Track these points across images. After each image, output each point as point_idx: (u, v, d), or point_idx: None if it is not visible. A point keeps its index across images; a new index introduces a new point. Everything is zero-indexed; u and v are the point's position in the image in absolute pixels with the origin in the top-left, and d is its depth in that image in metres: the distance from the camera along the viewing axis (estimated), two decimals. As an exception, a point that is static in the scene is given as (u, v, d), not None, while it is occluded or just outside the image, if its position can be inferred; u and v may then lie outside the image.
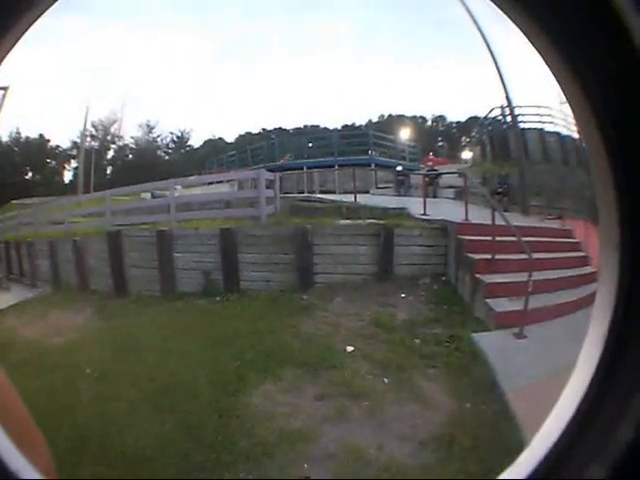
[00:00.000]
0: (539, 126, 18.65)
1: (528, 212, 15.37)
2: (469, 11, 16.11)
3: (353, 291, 10.91)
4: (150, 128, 25.96)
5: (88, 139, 24.18)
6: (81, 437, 6.05)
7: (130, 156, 25.95)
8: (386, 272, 11.53)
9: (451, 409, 7.46)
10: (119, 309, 10.96)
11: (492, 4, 1.00)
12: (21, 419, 1.29)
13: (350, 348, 8.92)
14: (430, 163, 18.98)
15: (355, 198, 14.66)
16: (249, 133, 26.04)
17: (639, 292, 0.93)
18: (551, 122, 18.48)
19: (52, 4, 0.95)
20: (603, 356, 0.95)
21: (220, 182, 17.57)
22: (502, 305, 9.76)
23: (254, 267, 11.37)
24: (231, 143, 25.71)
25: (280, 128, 24.36)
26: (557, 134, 18.52)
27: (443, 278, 11.56)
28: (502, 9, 0.98)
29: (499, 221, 10.79)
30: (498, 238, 10.73)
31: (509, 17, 0.98)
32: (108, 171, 25.11)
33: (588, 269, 11.87)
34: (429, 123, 24.15)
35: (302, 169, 19.64)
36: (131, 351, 8.32)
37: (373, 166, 19.56)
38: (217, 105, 26.63)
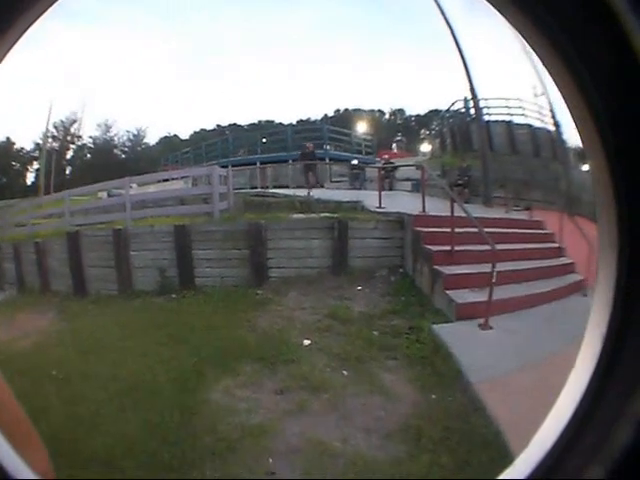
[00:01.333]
0: (508, 118, 18.82)
1: (491, 203, 15.65)
2: (437, 2, 16.27)
3: (308, 285, 11.01)
4: (108, 127, 25.96)
5: (50, 140, 24.22)
6: (53, 440, 5.93)
7: (89, 155, 25.88)
8: (341, 265, 11.62)
9: (415, 401, 7.48)
10: (80, 310, 11.01)
11: (487, 4, 0.99)
12: (18, 420, 1.31)
13: (307, 342, 8.97)
14: (386, 156, 19.14)
15: (309, 192, 14.74)
16: (204, 129, 26.12)
17: (637, 292, 0.93)
18: (522, 114, 18.66)
19: (50, 5, 0.96)
20: (601, 356, 0.97)
21: (175, 179, 17.61)
22: (464, 296, 9.81)
23: (208, 263, 11.47)
24: (186, 140, 25.72)
25: (235, 124, 24.37)
26: (529, 126, 18.79)
27: (400, 270, 11.64)
28: (498, 9, 0.98)
29: (460, 213, 10.79)
30: (458, 230, 10.77)
31: (506, 18, 0.98)
32: (67, 171, 25.06)
33: (563, 260, 12.41)
34: (387, 116, 24.31)
35: (255, 164, 19.54)
36: (94, 352, 8.37)
37: (327, 160, 19.52)
38: (172, 102, 26.59)
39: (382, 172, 16.45)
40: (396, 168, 17.89)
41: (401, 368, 8.29)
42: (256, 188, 17.91)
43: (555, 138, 18.23)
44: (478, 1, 0.96)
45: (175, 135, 26.62)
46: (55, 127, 24.71)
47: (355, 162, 19.05)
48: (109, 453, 5.89)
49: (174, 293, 10.86)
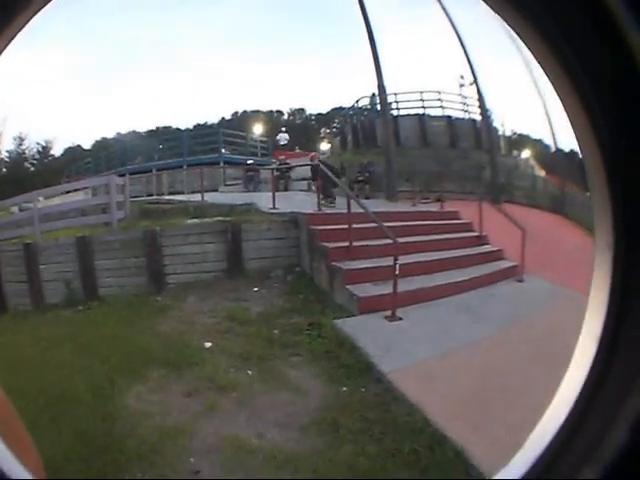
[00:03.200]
0: (422, 112, 18.87)
1: (395, 198, 15.79)
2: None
3: (205, 289, 11.21)
4: (21, 140, 25.60)
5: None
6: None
7: (4, 170, 25.53)
8: (236, 268, 11.84)
9: (325, 394, 7.68)
10: (1, 326, 10.85)
11: (490, 9, 1.01)
12: (9, 419, 1.33)
13: (208, 344, 9.05)
14: (282, 157, 19.07)
15: (202, 197, 14.91)
16: (105, 138, 25.79)
17: (633, 292, 0.96)
18: (440, 106, 18.72)
19: (46, 4, 0.97)
20: (597, 356, 0.99)
21: (77, 190, 17.47)
22: (366, 290, 9.93)
23: (109, 273, 11.57)
24: (88, 150, 25.42)
25: (133, 131, 24.18)
26: (447, 117, 18.83)
27: (297, 269, 11.87)
28: (500, 15, 1.00)
29: (359, 209, 10.97)
30: (357, 225, 10.92)
31: (509, 25, 1.00)
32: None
33: (486, 248, 12.71)
34: (285, 117, 24.30)
35: (151, 171, 19.44)
36: (19, 366, 8.27)
37: (222, 164, 19.50)
38: (75, 112, 26.28)
39: (277, 173, 16.57)
40: (291, 168, 17.88)
41: (305, 364, 8.49)
42: (152, 195, 17.92)
43: (482, 127, 18.36)
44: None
45: (78, 145, 26.31)
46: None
47: (250, 162, 19.18)
48: (51, 461, 5.74)
49: (80, 305, 10.88)
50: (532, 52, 0.99)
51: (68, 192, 17.73)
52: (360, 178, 16.47)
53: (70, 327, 9.95)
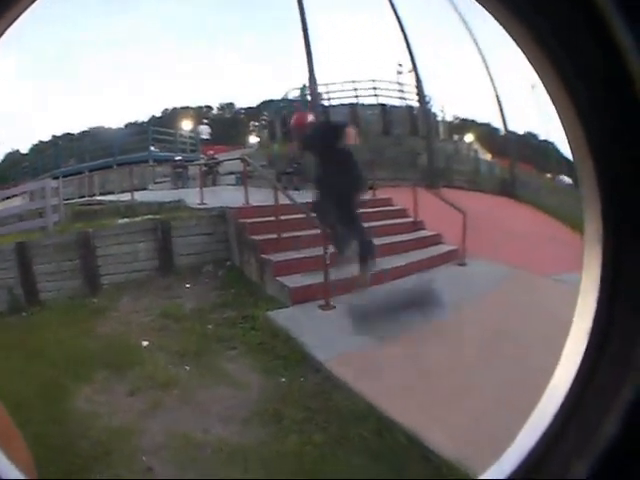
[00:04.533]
0: (355, 101, 18.81)
1: None
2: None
3: (138, 288, 11.28)
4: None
5: None
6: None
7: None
8: (167, 265, 11.90)
9: (265, 386, 7.94)
10: None
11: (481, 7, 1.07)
12: (1, 420, 1.49)
13: (145, 343, 9.22)
14: (211, 152, 18.95)
15: (132, 196, 14.91)
16: (41, 142, 25.51)
17: (622, 287, 1.01)
18: (375, 95, 18.62)
19: (29, 6, 1.06)
20: (587, 352, 1.04)
21: (15, 195, 17.39)
22: (297, 281, 10.15)
23: (48, 277, 11.50)
24: (26, 154, 25.18)
25: (67, 133, 24.02)
26: (382, 106, 18.70)
27: (228, 263, 12.00)
28: (491, 13, 1.06)
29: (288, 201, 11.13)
30: (286, 217, 11.09)
31: (500, 23, 1.05)
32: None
33: (422, 233, 12.86)
34: (215, 112, 24.24)
35: (84, 173, 19.38)
36: None
37: (151, 162, 19.45)
38: (16, 116, 25.94)
39: (204, 168, 16.54)
40: (219, 163, 17.80)
41: (241, 357, 8.64)
42: (84, 197, 17.68)
43: (419, 114, 18.36)
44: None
45: (17, 150, 26.03)
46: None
47: (178, 158, 19.16)
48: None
49: (24, 311, 10.85)
50: (523, 50, 1.04)
51: (8, 198, 17.66)
52: (289, 170, 16.27)
53: (18, 333, 9.95)
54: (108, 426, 7.06)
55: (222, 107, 24.14)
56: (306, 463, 6.35)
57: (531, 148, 18.52)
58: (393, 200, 14.26)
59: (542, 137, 17.89)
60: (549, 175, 18.36)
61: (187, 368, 8.46)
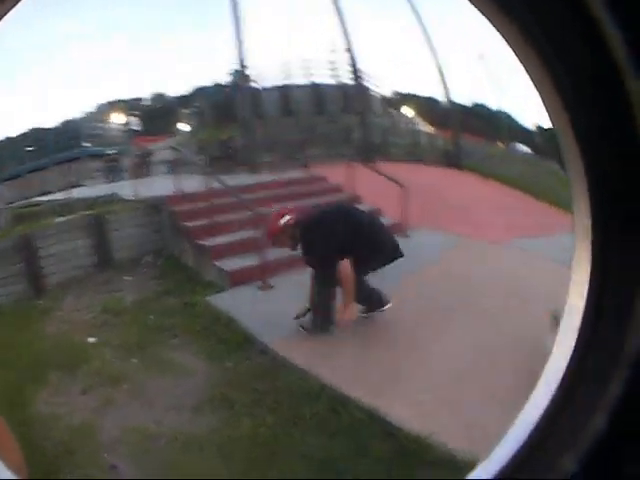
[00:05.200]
0: (287, 82, 18.77)
1: (258, 170, 15.53)
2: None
3: (79, 285, 11.37)
4: None
5: None
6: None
7: None
8: (106, 260, 12.06)
9: (211, 371, 7.94)
10: None
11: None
12: None
13: (91, 339, 9.16)
14: (143, 143, 18.86)
15: (68, 193, 15.01)
16: None
17: (611, 284, 1.01)
18: (308, 74, 18.56)
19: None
20: (575, 349, 1.04)
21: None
22: (235, 264, 10.33)
23: None
24: None
25: (7, 137, 23.79)
26: (314, 85, 18.66)
27: (165, 252, 12.16)
28: (477, 8, 1.04)
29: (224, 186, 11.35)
30: (220, 201, 11.42)
31: (487, 17, 1.04)
32: None
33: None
34: (146, 102, 24.10)
35: (22, 175, 19.28)
36: None
37: (84, 157, 19.33)
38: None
39: (136, 160, 16.55)
40: (151, 153, 17.75)
41: (185, 344, 8.64)
42: (25, 199, 17.59)
43: (354, 90, 18.33)
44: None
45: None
46: None
47: (110, 152, 18.98)
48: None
49: None
50: (511, 47, 1.02)
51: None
52: (220, 154, 16.57)
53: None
54: (67, 426, 6.95)
55: (153, 98, 24.02)
56: (261, 445, 6.32)
57: (480, 119, 18.66)
58: (328, 177, 14.52)
59: (493, 108, 18.04)
60: (501, 144, 18.51)
61: (134, 361, 8.43)
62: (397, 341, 7.96)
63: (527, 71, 1.03)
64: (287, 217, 8.43)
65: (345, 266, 7.83)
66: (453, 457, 5.61)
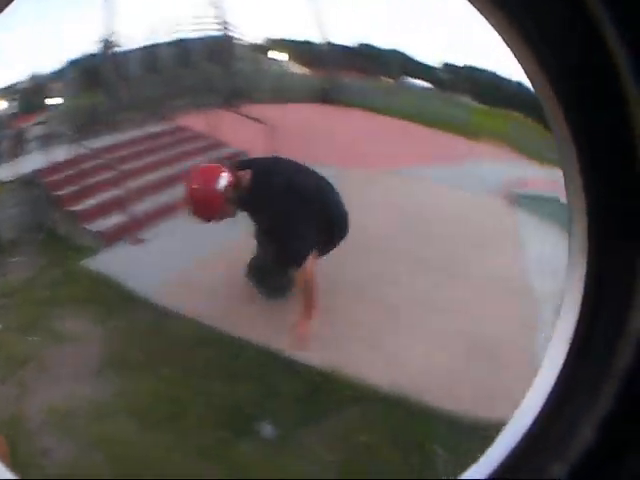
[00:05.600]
0: (152, 41, 18.57)
1: (123, 129, 15.36)
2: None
3: None
4: None
5: None
6: None
7: None
8: None
9: (104, 335, 8.00)
10: None
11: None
12: None
13: None
14: (19, 124, 18.53)
15: None
16: None
17: (606, 291, 1.07)
18: (177, 31, 18.38)
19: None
20: (568, 356, 1.11)
21: None
22: (104, 224, 10.44)
23: None
24: None
25: None
26: (180, 41, 18.54)
27: (44, 227, 11.64)
28: (476, 7, 1.10)
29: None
30: (86, 166, 11.28)
31: (475, 8, 1.09)
32: None
33: (225, 151, 12.74)
34: (19, 83, 23.66)
35: None
36: None
37: None
38: None
39: (10, 141, 16.17)
40: (23, 132, 17.45)
41: (73, 312, 8.71)
42: None
43: (222, 41, 18.16)
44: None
45: None
46: None
47: None
48: None
49: None
50: (502, 37, 1.09)
51: None
52: (86, 121, 15.85)
53: None
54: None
55: (28, 79, 23.51)
56: (163, 397, 6.54)
57: (367, 57, 18.65)
58: (192, 126, 13.88)
59: (384, 46, 17.96)
60: (390, 80, 18.50)
61: (34, 339, 8.40)
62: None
63: (526, 72, 1.11)
64: (224, 177, 7.52)
65: (312, 262, 6.60)
66: (374, 391, 5.90)
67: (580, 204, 1.07)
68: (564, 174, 1.12)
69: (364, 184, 11.31)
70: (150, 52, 18.76)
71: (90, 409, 6.79)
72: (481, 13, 1.11)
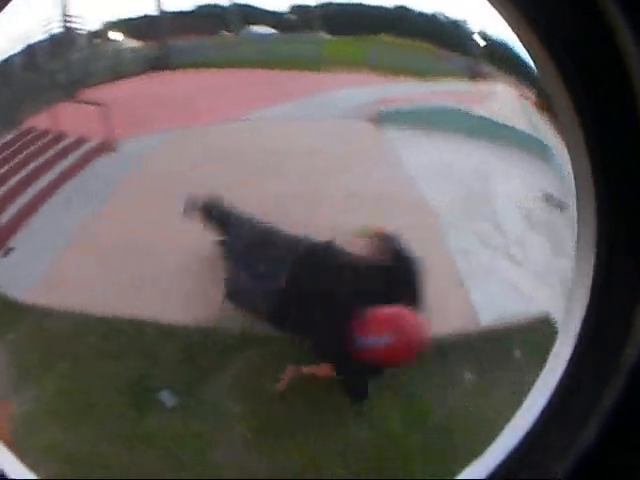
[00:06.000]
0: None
1: None
2: None
3: None
4: None
5: None
6: None
7: None
8: None
9: (3, 350, 7.92)
10: None
11: None
12: None
13: None
14: None
15: None
16: None
17: (611, 296, 1.01)
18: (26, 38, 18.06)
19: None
20: (572, 358, 1.04)
21: None
22: None
23: None
24: None
25: None
26: (28, 47, 18.20)
27: None
28: (494, 6, 1.03)
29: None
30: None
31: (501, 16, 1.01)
32: None
33: (65, 143, 11.94)
34: None
35: None
36: None
37: None
38: None
39: None
40: None
41: None
42: None
43: (62, 36, 17.90)
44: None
45: None
46: None
47: None
48: None
49: None
50: (510, 26, 1.00)
51: None
52: None
53: None
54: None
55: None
56: (72, 394, 6.36)
57: (204, 17, 18.57)
58: (36, 126, 13.77)
59: (224, 4, 17.84)
60: (230, 33, 18.49)
61: None
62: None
63: (540, 71, 1.03)
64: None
65: None
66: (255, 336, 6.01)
67: (589, 204, 1.01)
68: (572, 169, 1.05)
69: (206, 139, 10.97)
70: (30, 52, 18.62)
71: (23, 422, 6.57)
72: (500, 14, 1.04)
